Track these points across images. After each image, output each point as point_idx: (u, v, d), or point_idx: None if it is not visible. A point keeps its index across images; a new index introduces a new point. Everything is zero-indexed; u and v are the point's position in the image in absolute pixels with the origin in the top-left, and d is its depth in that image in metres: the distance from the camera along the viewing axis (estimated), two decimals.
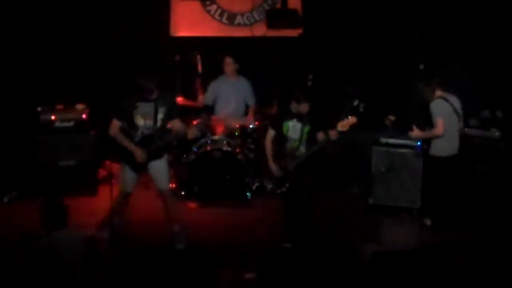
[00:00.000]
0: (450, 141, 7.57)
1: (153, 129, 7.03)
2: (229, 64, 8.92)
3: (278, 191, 7.20)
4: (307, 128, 7.03)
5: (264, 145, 7.39)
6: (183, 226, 7.26)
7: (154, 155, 7.07)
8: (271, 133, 7.29)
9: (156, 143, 7.03)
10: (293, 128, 7.09)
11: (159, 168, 7.15)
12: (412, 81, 8.60)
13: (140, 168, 7.13)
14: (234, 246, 7.18)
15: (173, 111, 7.15)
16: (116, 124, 7.01)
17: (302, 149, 7.07)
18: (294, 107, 7.07)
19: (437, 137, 7.53)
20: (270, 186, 7.27)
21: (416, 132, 7.72)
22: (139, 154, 6.95)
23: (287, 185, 7.11)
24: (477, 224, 7.70)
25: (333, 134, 6.87)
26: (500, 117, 8.00)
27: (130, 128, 7.04)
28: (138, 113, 7.00)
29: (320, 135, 6.93)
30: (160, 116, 7.03)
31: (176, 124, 7.12)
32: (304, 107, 7.00)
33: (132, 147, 6.98)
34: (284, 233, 7.25)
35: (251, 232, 7.59)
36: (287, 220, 7.27)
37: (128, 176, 7.13)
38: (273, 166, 7.16)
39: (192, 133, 7.29)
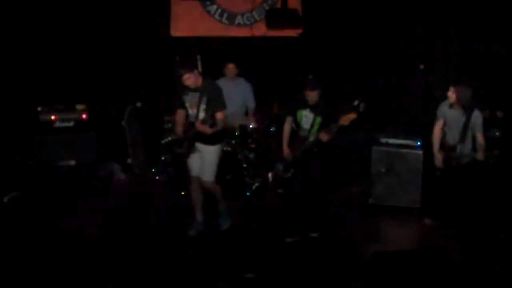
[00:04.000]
0: None
1: (196, 118, 7.07)
2: (232, 69, 8.92)
3: (286, 176, 7.37)
4: (318, 119, 7.17)
5: (282, 129, 7.53)
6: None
7: (200, 139, 7.11)
8: (289, 119, 7.47)
9: (192, 131, 7.08)
10: (306, 118, 7.26)
11: (204, 156, 7.19)
12: (412, 81, 8.62)
13: (185, 153, 7.23)
14: (234, 246, 7.18)
15: (216, 103, 7.07)
16: (180, 112, 7.20)
17: (312, 139, 7.18)
18: (305, 95, 7.19)
19: None
20: (282, 169, 7.39)
21: None
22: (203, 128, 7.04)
23: (292, 171, 7.27)
24: (477, 223, 7.70)
25: (323, 136, 7.00)
26: (500, 117, 8.00)
27: (187, 114, 7.20)
28: (187, 102, 7.14)
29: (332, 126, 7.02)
30: (202, 106, 7.05)
31: (218, 116, 7.04)
32: (312, 95, 7.10)
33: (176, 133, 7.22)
34: (288, 227, 7.36)
35: (251, 232, 7.59)
36: (290, 213, 7.43)
37: (189, 160, 7.27)
38: (286, 150, 7.36)
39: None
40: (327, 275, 6.20)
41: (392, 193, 8.15)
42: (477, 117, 7.21)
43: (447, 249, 6.46)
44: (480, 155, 6.99)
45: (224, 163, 8.39)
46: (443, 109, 7.41)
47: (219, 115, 7.01)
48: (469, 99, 7.19)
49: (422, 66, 8.93)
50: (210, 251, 6.85)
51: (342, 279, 6.10)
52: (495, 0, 8.89)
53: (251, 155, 8.72)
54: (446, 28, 9.14)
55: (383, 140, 8.27)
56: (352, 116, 6.95)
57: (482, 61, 8.94)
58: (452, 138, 7.34)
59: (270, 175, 8.24)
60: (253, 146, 8.77)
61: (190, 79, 7.02)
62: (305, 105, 7.24)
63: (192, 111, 7.12)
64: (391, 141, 8.23)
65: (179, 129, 7.20)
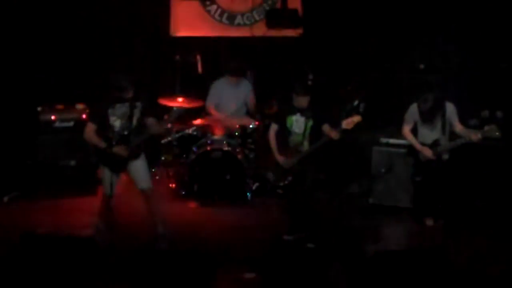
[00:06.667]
0: None
1: (129, 129, 6.95)
2: (235, 81, 8.89)
3: (281, 184, 7.31)
4: (310, 123, 7.14)
5: (267, 139, 7.47)
6: (166, 226, 7.20)
7: (132, 155, 6.99)
8: (274, 127, 7.40)
9: (134, 141, 6.94)
10: (297, 123, 7.23)
11: (138, 167, 7.06)
12: (412, 81, 8.61)
13: (119, 169, 7.06)
14: (234, 246, 7.18)
15: (148, 110, 7.05)
16: (91, 127, 6.96)
17: (306, 143, 7.20)
18: (295, 100, 7.14)
19: None
20: (274, 178, 7.36)
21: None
22: (120, 150, 6.89)
23: (289, 178, 7.18)
24: (477, 224, 7.70)
25: (334, 134, 6.94)
26: (500, 117, 8.01)
27: (106, 130, 6.98)
28: (115, 115, 6.95)
29: (326, 128, 6.96)
30: (136, 115, 6.97)
31: (150, 122, 7.00)
32: (303, 100, 7.09)
33: (109, 149, 6.91)
34: (287, 226, 7.35)
35: (251, 232, 7.59)
36: (289, 212, 7.39)
37: (107, 178, 7.06)
38: (280, 158, 7.28)
39: (160, 126, 7.16)
40: (327, 275, 6.20)
41: (392, 193, 8.16)
42: (450, 107, 7.33)
43: (447, 249, 6.46)
44: (474, 136, 7.04)
45: (224, 163, 8.41)
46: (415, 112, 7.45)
47: (151, 120, 6.97)
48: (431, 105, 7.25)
49: (422, 66, 8.93)
50: (209, 251, 6.85)
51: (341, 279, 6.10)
52: (495, 1, 8.89)
53: (251, 155, 8.72)
54: (446, 28, 9.13)
55: (383, 140, 8.28)
56: (356, 119, 6.92)
57: (482, 61, 8.94)
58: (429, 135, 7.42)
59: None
60: (253, 146, 8.77)
61: (130, 92, 6.95)
62: (294, 110, 7.20)
63: (121, 122, 6.95)
64: (391, 141, 8.24)
65: (101, 144, 6.94)
